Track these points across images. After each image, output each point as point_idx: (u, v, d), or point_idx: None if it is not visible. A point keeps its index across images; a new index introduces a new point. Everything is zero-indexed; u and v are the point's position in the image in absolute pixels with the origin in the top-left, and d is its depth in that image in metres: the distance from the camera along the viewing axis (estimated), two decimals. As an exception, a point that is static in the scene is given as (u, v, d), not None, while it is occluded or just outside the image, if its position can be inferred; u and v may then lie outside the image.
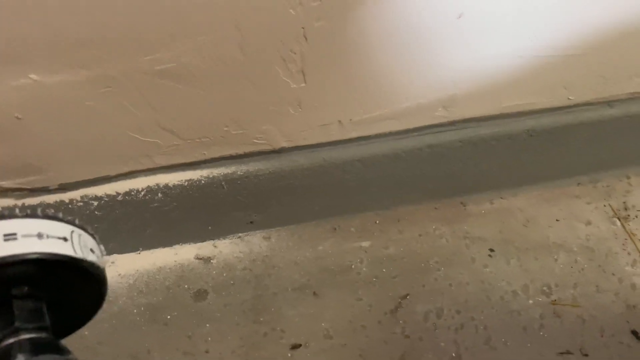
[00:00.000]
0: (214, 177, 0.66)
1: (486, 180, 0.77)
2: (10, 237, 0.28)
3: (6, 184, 0.60)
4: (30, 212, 0.29)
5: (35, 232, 0.28)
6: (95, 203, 0.63)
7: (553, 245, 0.74)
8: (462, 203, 0.79)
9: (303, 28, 0.53)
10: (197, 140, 0.62)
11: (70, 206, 0.63)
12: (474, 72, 0.62)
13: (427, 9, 0.54)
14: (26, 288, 0.29)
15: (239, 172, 0.66)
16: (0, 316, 0.29)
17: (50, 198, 0.62)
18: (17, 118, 0.53)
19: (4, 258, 0.27)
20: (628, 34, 0.63)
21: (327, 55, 0.56)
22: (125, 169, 0.63)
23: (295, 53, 0.55)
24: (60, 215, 0.30)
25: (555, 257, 0.72)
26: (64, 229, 0.30)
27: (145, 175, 0.64)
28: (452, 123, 0.69)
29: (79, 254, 0.30)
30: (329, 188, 0.71)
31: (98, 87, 0.53)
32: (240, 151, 0.65)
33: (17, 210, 0.28)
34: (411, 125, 0.67)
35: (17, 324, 0.28)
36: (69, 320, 0.34)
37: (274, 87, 0.58)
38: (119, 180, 0.63)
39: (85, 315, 0.34)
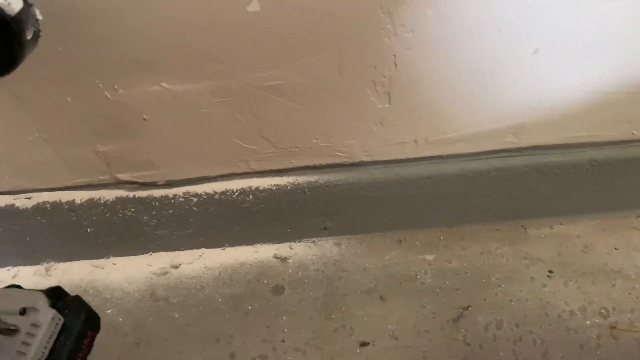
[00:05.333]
0: (298, 183, 0.73)
1: (547, 206, 0.81)
2: None
3: (123, 176, 0.69)
4: None
5: None
6: (195, 200, 0.72)
7: (611, 272, 0.77)
8: (522, 226, 0.83)
9: (394, 55, 0.61)
10: (289, 149, 0.70)
11: (172, 201, 0.71)
12: (543, 103, 0.68)
13: (506, 45, 0.61)
14: None
15: (320, 181, 0.73)
16: None
17: (157, 192, 0.71)
18: (144, 119, 0.62)
19: None
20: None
21: (412, 79, 0.63)
22: (224, 171, 0.71)
23: (384, 77, 0.63)
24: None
25: (613, 282, 0.75)
26: None
27: (241, 178, 0.72)
28: (519, 149, 0.74)
29: None
30: (399, 202, 0.77)
31: (215, 97, 0.62)
32: (324, 162, 0.72)
33: None
34: (481, 149, 0.73)
35: None
36: None
37: (361, 106, 0.66)
38: (217, 180, 0.72)
39: None
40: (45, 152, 0.65)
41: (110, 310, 0.71)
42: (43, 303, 0.43)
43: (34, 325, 0.42)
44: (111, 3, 0.52)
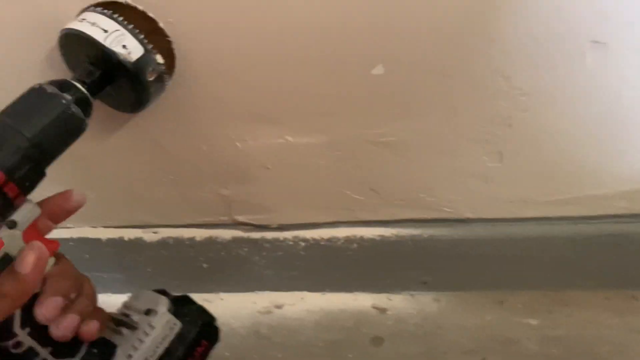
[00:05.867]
0: (402, 235, 0.75)
1: (664, 276, 0.77)
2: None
3: (241, 218, 0.74)
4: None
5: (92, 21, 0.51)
6: (303, 244, 0.76)
7: None
8: (634, 297, 0.79)
9: (509, 117, 0.62)
10: (394, 201, 0.72)
11: (282, 244, 0.76)
12: (663, 169, 0.66)
13: (625, 112, 0.60)
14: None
15: (423, 235, 0.75)
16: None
17: (269, 234, 0.76)
18: (267, 168, 0.68)
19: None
20: None
21: (525, 140, 0.64)
22: (332, 219, 0.74)
23: (497, 137, 0.64)
24: (114, 15, 0.51)
25: None
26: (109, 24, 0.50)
27: (346, 226, 0.75)
28: (633, 216, 0.71)
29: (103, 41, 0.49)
30: (502, 261, 0.76)
31: (332, 150, 0.66)
32: (428, 216, 0.74)
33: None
34: (592, 213, 0.71)
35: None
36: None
37: (471, 163, 0.67)
38: (325, 227, 0.75)
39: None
40: (174, 192, 0.72)
41: (217, 344, 0.75)
42: (164, 307, 0.48)
43: (150, 325, 0.47)
44: (248, 65, 0.58)
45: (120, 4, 0.54)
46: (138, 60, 0.50)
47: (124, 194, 0.73)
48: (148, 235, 0.77)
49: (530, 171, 0.67)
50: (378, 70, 0.58)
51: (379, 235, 0.75)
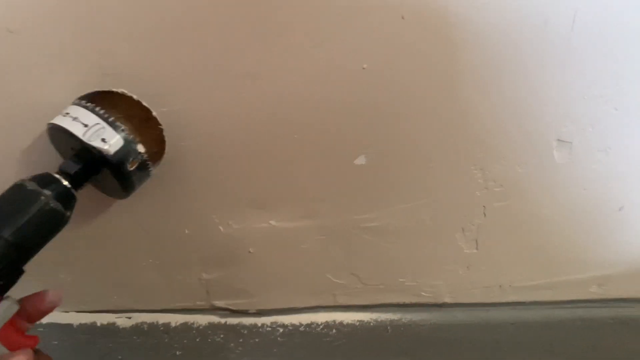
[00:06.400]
0: (381, 320, 0.75)
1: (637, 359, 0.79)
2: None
3: (219, 303, 0.73)
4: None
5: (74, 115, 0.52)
6: (281, 330, 0.74)
7: None
8: (609, 381, 0.80)
9: (484, 207, 0.65)
10: (375, 286, 0.73)
11: (260, 329, 0.74)
12: (629, 256, 0.70)
13: (592, 202, 0.65)
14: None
15: (403, 320, 0.75)
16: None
17: (247, 320, 0.74)
18: (250, 252, 0.68)
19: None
20: None
21: (500, 228, 0.67)
22: (312, 303, 0.74)
23: (473, 225, 0.67)
24: (96, 109, 0.52)
25: None
26: (90, 118, 0.51)
27: (326, 311, 0.74)
28: (604, 301, 0.74)
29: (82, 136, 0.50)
30: (481, 346, 0.77)
31: (315, 234, 0.67)
32: (408, 301, 0.74)
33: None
34: (565, 298, 0.73)
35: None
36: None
37: (450, 249, 0.69)
38: (304, 312, 0.74)
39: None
40: (154, 276, 0.70)
41: None
42: None
43: None
44: (234, 151, 0.60)
45: (116, 94, 0.56)
46: (117, 152, 0.52)
47: (102, 277, 0.71)
48: (122, 321, 0.74)
49: (505, 258, 0.70)
50: (360, 160, 0.61)
51: (358, 321, 0.74)
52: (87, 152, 0.51)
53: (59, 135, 0.52)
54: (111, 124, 0.52)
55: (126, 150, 0.52)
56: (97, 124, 0.52)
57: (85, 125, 0.51)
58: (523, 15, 0.53)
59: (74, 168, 0.50)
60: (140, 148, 0.54)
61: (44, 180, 0.48)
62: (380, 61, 0.55)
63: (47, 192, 0.46)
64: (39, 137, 0.56)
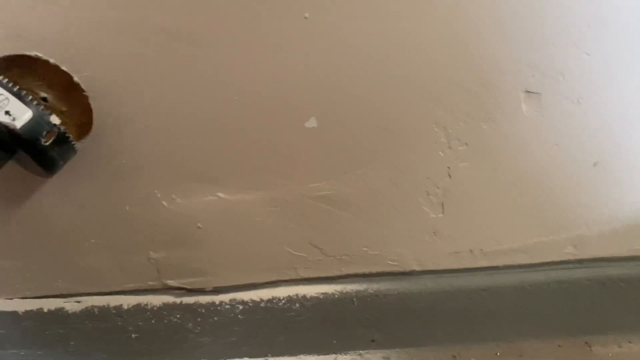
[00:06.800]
0: (347, 292, 0.71)
1: (614, 322, 0.75)
2: None
3: (172, 282, 0.68)
4: None
5: None
6: (241, 307, 0.70)
7: (694, 401, 0.69)
8: (587, 343, 0.77)
9: (449, 167, 0.60)
10: (338, 257, 0.68)
11: (219, 308, 0.70)
12: (604, 214, 0.65)
13: (564, 157, 0.60)
14: None
15: (369, 290, 0.71)
16: None
17: (204, 298, 0.70)
18: (199, 227, 0.63)
19: None
20: None
21: (466, 190, 0.62)
22: (272, 278, 0.70)
23: (438, 188, 0.62)
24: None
25: (699, 414, 0.67)
26: None
27: (288, 286, 0.70)
28: (580, 261, 0.70)
29: None
30: (452, 314, 0.73)
31: (268, 206, 0.62)
32: (374, 270, 0.70)
33: None
34: (540, 260, 0.69)
35: None
36: None
37: (414, 215, 0.64)
38: (265, 288, 0.70)
39: None
40: (99, 257, 0.65)
41: None
42: None
43: None
44: (173, 120, 0.54)
45: (29, 57, 0.50)
46: (25, 126, 0.45)
47: (45, 261, 0.66)
48: (70, 305, 0.69)
49: (474, 221, 0.65)
50: (311, 123, 0.56)
51: (322, 293, 0.70)
52: None
53: None
54: (17, 95, 0.46)
55: (37, 122, 0.47)
56: (1, 94, 0.46)
57: None
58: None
59: None
60: (55, 119, 0.48)
61: None
62: (323, 9, 0.49)
63: None
64: None
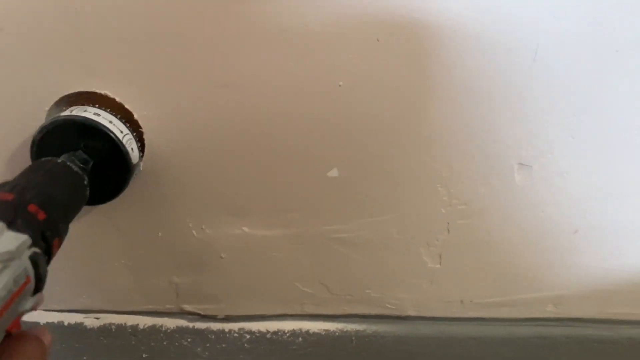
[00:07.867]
0: (347, 331, 0.77)
1: (589, 380, 0.82)
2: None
3: (188, 307, 0.74)
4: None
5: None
6: (248, 336, 0.76)
7: None
8: (563, 399, 0.83)
9: (448, 223, 0.68)
10: (342, 296, 0.75)
11: (227, 335, 0.75)
12: (583, 278, 0.73)
13: (549, 224, 0.68)
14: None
15: (367, 331, 0.77)
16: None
17: (215, 325, 0.75)
18: (221, 257, 0.70)
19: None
20: None
21: (463, 245, 0.70)
22: (279, 311, 0.76)
23: (437, 240, 0.70)
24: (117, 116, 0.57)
25: None
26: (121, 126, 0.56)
27: (293, 320, 0.76)
28: (559, 319, 0.77)
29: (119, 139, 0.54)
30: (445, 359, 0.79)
31: (287, 243, 0.69)
32: (373, 312, 0.77)
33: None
34: (524, 315, 0.76)
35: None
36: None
37: (415, 263, 0.72)
38: (271, 320, 0.76)
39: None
40: (125, 278, 0.71)
41: None
42: None
43: None
44: (213, 159, 0.62)
45: (100, 95, 0.58)
46: (136, 164, 0.59)
47: (73, 277, 0.72)
48: (90, 321, 0.75)
49: (467, 274, 0.73)
50: (333, 173, 0.64)
51: (324, 330, 0.76)
52: (101, 153, 0.54)
53: (69, 131, 0.54)
54: (134, 136, 0.58)
55: (137, 161, 0.58)
56: (127, 134, 0.56)
57: (121, 132, 0.56)
58: (489, 46, 0.57)
59: (89, 161, 0.54)
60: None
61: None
62: (355, 80, 0.58)
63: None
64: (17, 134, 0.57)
